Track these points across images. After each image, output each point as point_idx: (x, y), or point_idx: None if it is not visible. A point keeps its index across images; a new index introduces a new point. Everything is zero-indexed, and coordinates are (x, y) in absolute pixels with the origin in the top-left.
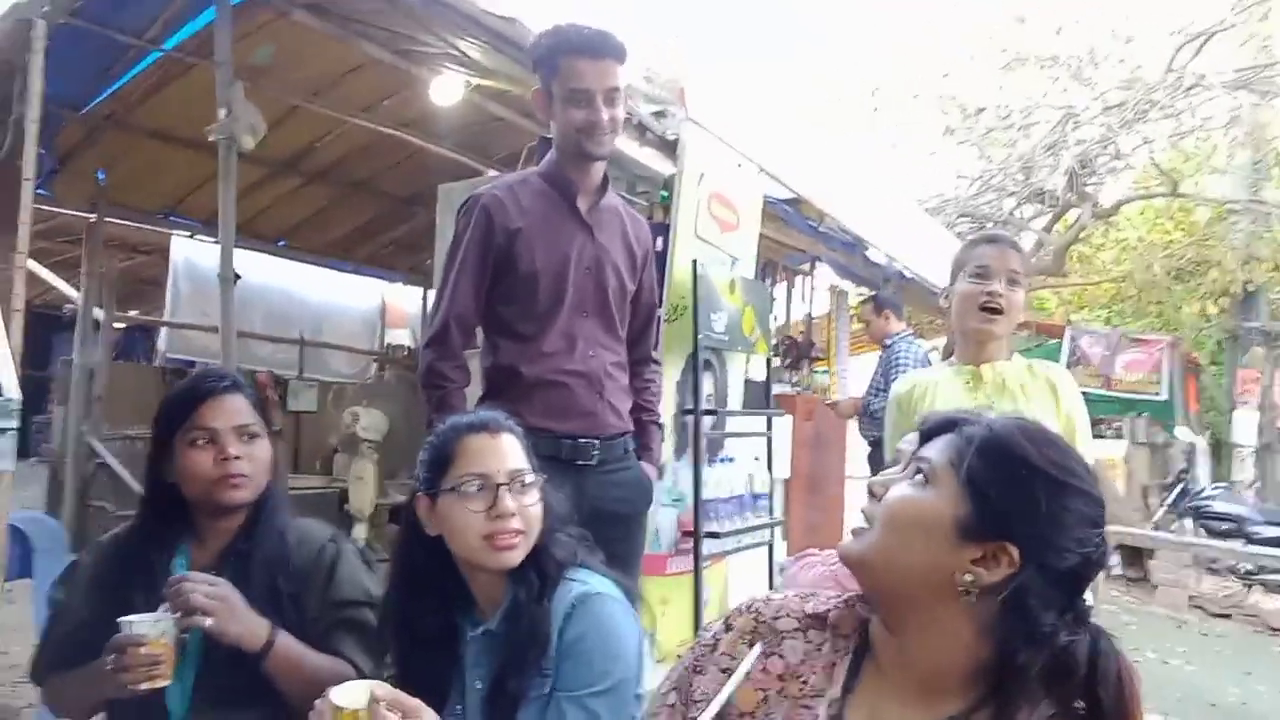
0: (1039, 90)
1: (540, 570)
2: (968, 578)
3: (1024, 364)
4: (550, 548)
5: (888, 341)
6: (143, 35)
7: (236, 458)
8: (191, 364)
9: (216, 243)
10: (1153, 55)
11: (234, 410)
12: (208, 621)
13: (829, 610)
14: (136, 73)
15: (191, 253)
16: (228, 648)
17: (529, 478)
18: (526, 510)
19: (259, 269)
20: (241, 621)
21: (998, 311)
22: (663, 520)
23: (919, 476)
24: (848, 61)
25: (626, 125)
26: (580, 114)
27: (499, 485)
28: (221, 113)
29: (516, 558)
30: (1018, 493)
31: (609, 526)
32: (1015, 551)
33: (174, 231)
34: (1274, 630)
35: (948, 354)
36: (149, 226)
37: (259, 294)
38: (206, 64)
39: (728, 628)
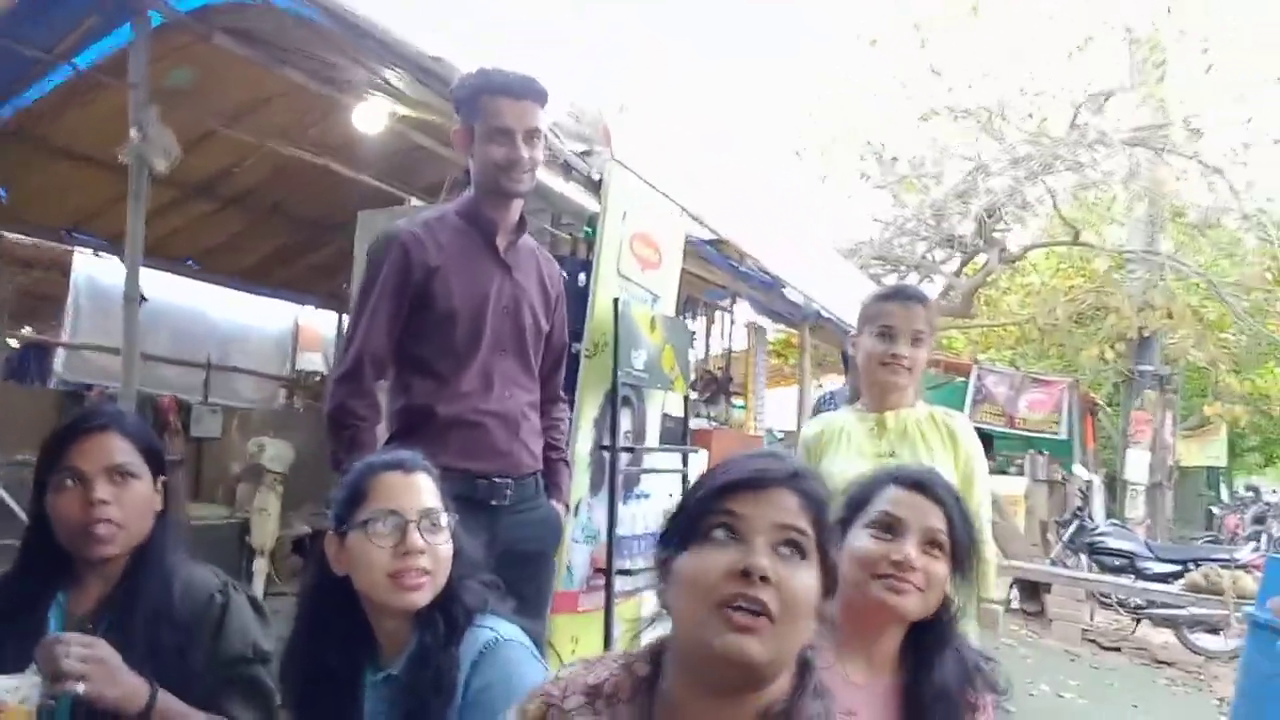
0: (952, 140)
1: (448, 615)
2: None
3: (926, 411)
4: (459, 593)
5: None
6: (53, 50)
7: (104, 502)
8: (89, 387)
9: (122, 261)
10: (1058, 111)
11: (106, 450)
12: (81, 687)
13: (606, 678)
14: (44, 89)
15: (94, 270)
16: (102, 711)
17: (441, 518)
18: (436, 549)
19: (167, 289)
20: (119, 684)
21: (902, 370)
22: (575, 557)
23: (793, 552)
24: (771, 108)
25: (552, 163)
26: (500, 151)
27: (409, 522)
28: (134, 134)
29: (423, 598)
30: (833, 537)
31: (520, 566)
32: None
33: (75, 249)
34: (1160, 663)
35: (854, 396)
36: (50, 243)
37: (165, 314)
38: (119, 83)
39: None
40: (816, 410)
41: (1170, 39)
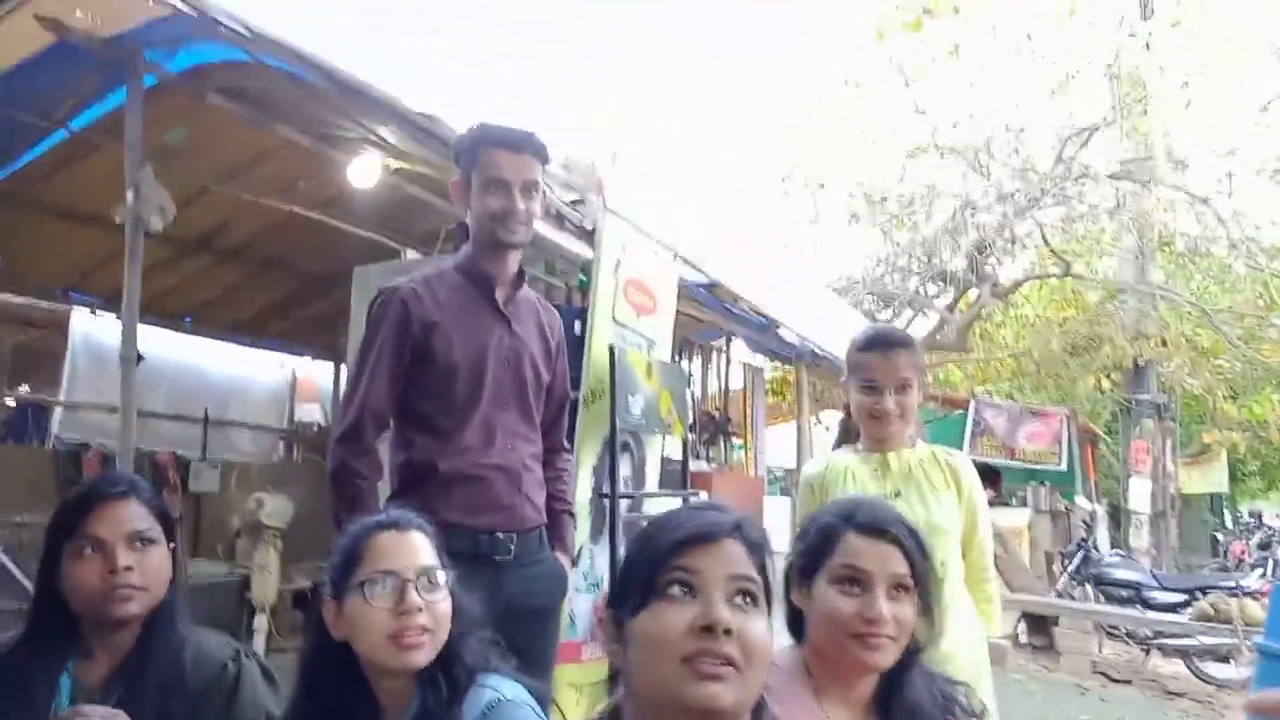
0: (939, 178)
1: (449, 675)
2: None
3: (928, 451)
4: (460, 652)
5: None
6: (49, 116)
7: (127, 568)
8: (87, 446)
9: (119, 319)
10: (1043, 147)
11: (126, 518)
12: None
13: None
14: (40, 152)
15: (91, 329)
16: None
17: (438, 575)
18: (434, 608)
19: (163, 345)
20: None
21: (893, 422)
22: (579, 606)
23: (748, 601)
24: (758, 148)
25: (545, 213)
26: (496, 202)
27: (405, 582)
28: (129, 195)
29: (423, 658)
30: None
31: (525, 622)
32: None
33: (73, 307)
34: (1170, 694)
35: (845, 435)
36: (46, 304)
37: (162, 371)
38: (114, 142)
39: None
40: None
41: (1151, 74)
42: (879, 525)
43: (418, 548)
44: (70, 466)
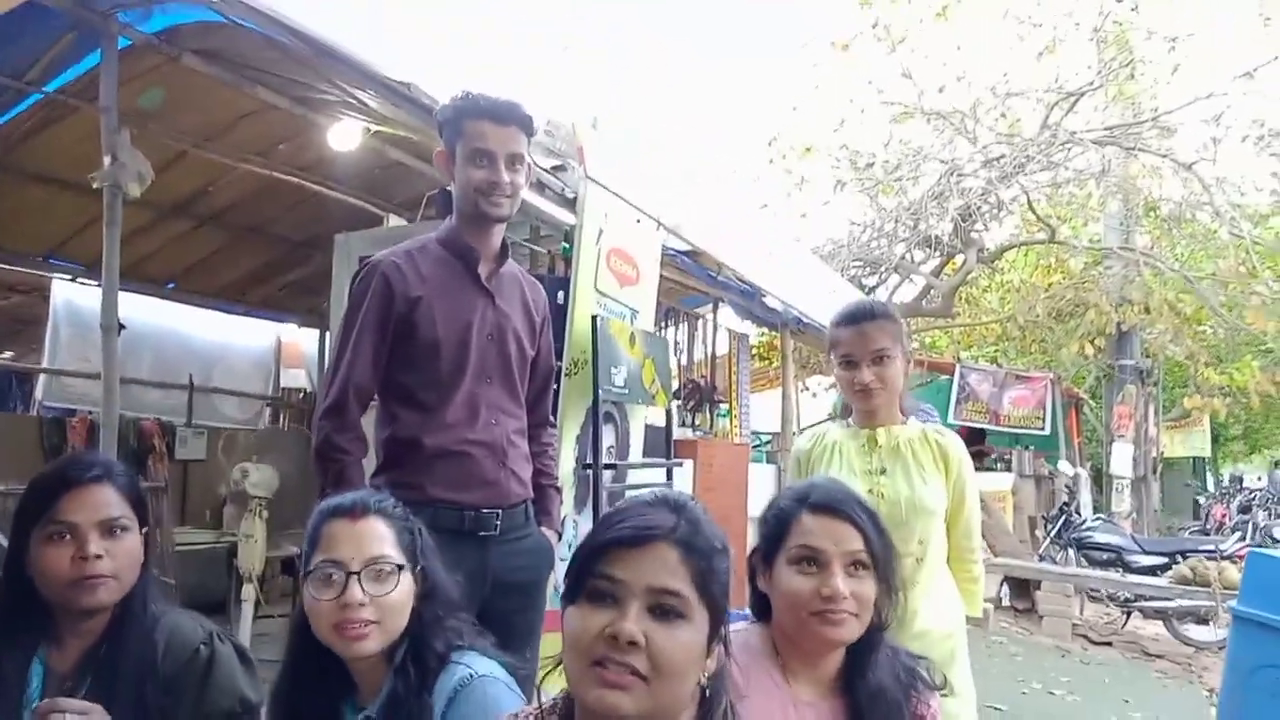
0: (926, 142)
1: (419, 662)
2: (705, 676)
3: (918, 429)
4: (429, 638)
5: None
6: (22, 77)
7: (97, 556)
8: (72, 412)
9: (99, 286)
10: (1029, 112)
11: (99, 503)
12: None
13: None
14: (15, 114)
15: (73, 295)
16: None
17: (388, 566)
18: (381, 600)
19: (146, 312)
20: None
21: (873, 394)
22: (563, 576)
23: (667, 613)
24: (746, 114)
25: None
26: (480, 174)
27: (349, 574)
28: (106, 160)
29: (369, 647)
30: (721, 580)
31: (511, 596)
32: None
33: (54, 275)
34: (1150, 656)
35: (842, 411)
36: (26, 270)
37: (146, 338)
38: (91, 106)
39: None
40: None
41: (1138, 39)
42: (832, 504)
43: (368, 536)
44: (55, 434)
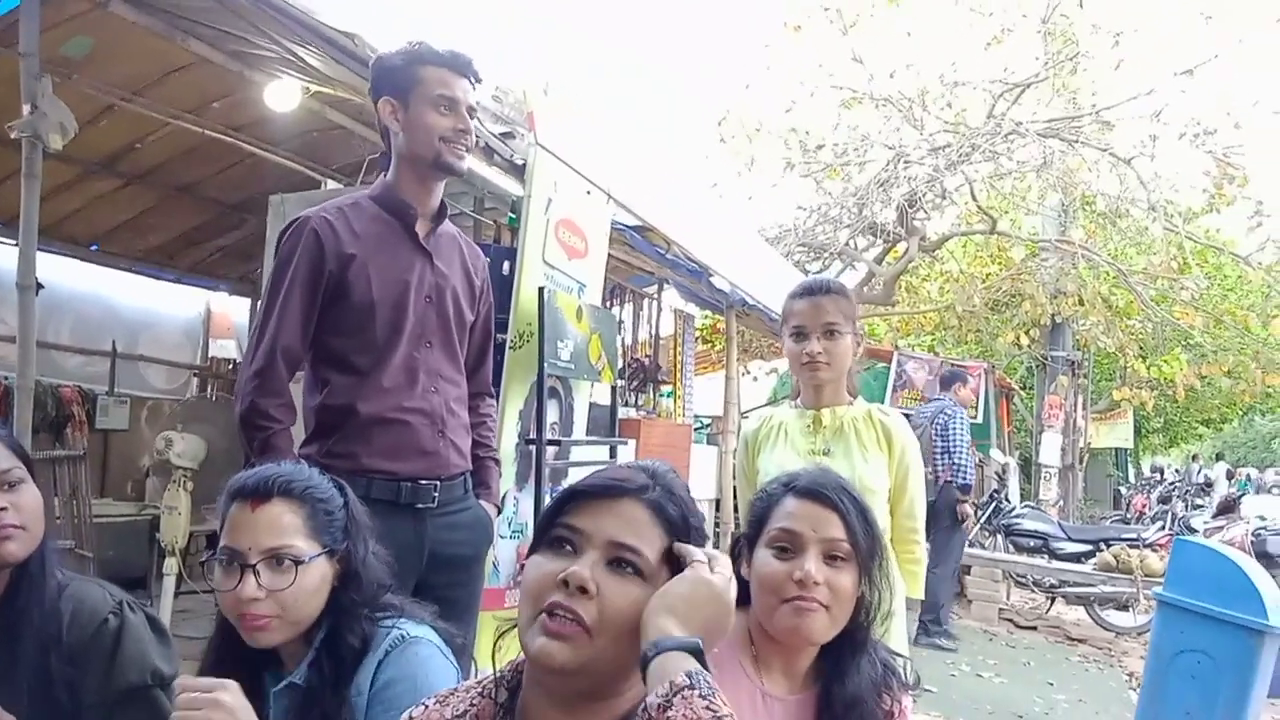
0: (874, 128)
1: (334, 653)
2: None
3: (864, 409)
4: (342, 627)
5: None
6: None
7: (2, 509)
8: None
9: (16, 245)
10: (976, 101)
11: None
12: None
13: (466, 711)
14: None
15: None
16: None
17: (288, 558)
18: (280, 594)
19: (68, 275)
20: None
21: (820, 367)
22: (502, 553)
23: (630, 571)
24: (697, 95)
25: (474, 145)
26: (447, 121)
27: (245, 567)
28: (26, 108)
29: (271, 639)
30: (694, 532)
31: (449, 570)
32: None
33: None
34: (1073, 640)
35: (792, 392)
36: None
37: (67, 301)
38: (10, 51)
39: None
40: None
41: (1083, 32)
42: (816, 489)
43: (269, 526)
44: None
